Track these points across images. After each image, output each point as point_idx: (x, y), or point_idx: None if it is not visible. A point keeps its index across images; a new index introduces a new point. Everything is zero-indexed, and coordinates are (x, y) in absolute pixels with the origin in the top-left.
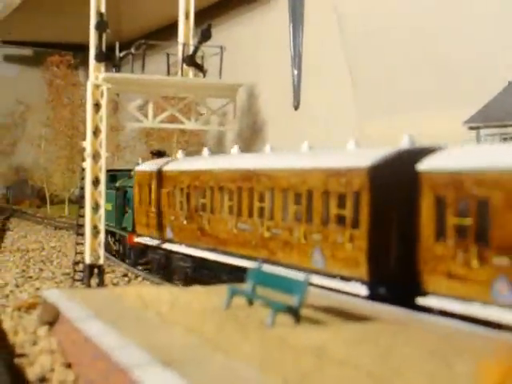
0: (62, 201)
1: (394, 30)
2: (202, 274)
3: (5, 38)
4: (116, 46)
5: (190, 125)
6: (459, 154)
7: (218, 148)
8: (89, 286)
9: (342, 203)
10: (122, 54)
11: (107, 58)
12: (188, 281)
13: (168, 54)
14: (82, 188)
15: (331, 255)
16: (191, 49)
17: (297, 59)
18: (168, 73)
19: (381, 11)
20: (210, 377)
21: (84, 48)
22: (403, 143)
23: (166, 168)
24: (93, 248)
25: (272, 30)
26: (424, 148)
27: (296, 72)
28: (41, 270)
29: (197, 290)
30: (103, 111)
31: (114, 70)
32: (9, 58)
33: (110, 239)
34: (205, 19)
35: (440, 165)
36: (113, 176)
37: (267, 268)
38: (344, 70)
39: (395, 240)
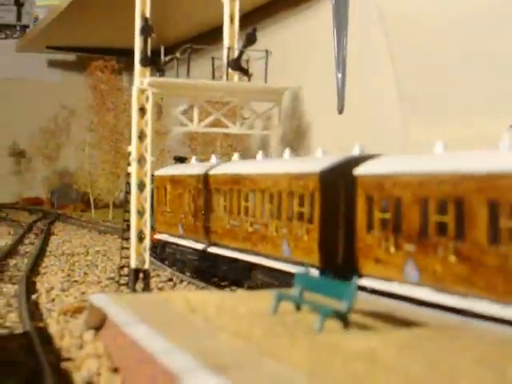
0: (106, 205)
1: (442, 35)
2: (205, 265)
3: (49, 43)
4: (161, 50)
5: (234, 129)
6: (385, 161)
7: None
8: (134, 290)
9: (301, 202)
10: (167, 59)
11: (152, 62)
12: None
13: (213, 58)
14: (128, 192)
15: (294, 246)
16: (236, 53)
17: (341, 63)
18: (213, 77)
19: (429, 17)
20: (259, 382)
21: (127, 53)
22: (354, 151)
23: (176, 172)
24: (138, 252)
25: (316, 33)
26: (367, 155)
27: (340, 75)
28: (86, 274)
29: (243, 294)
30: (148, 116)
31: (158, 74)
32: (53, 64)
33: None
34: (249, 23)
35: (369, 170)
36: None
37: (314, 272)
38: (389, 73)
39: (341, 232)
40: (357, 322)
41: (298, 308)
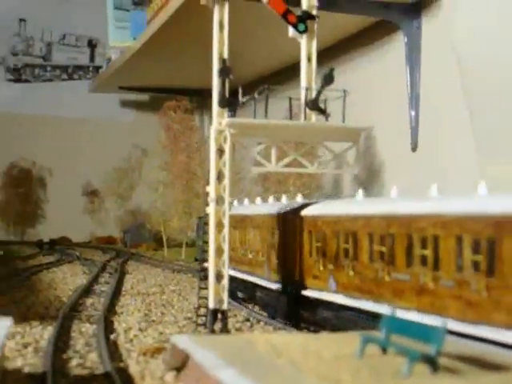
0: (178, 244)
1: None
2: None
3: (121, 84)
4: (239, 91)
5: (312, 169)
6: (319, 206)
7: (336, 191)
8: (212, 331)
9: (272, 236)
10: (244, 99)
11: (230, 103)
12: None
13: (290, 99)
14: (205, 232)
15: (272, 269)
16: (314, 93)
17: (414, 100)
18: (290, 117)
19: (503, 54)
20: None
21: (199, 92)
22: (298, 199)
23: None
24: (216, 292)
25: (389, 71)
26: (309, 202)
27: (414, 113)
28: (162, 313)
29: (327, 336)
30: (226, 156)
31: (229, 114)
32: (125, 104)
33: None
34: (325, 61)
35: (309, 212)
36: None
37: (401, 315)
38: (463, 110)
39: (295, 257)
40: (445, 366)
41: (385, 351)
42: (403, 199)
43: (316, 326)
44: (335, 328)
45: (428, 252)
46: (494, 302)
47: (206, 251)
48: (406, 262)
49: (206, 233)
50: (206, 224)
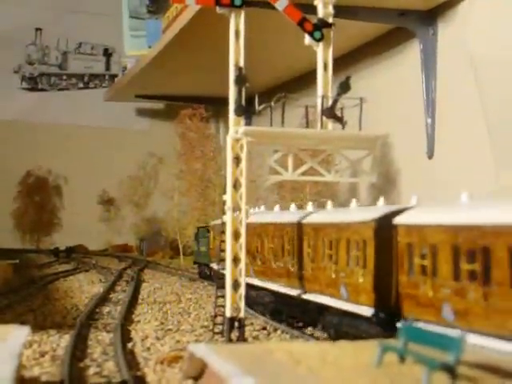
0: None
1: None
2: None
3: (137, 92)
4: (255, 98)
5: (329, 177)
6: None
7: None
8: (229, 339)
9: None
10: (261, 107)
11: (246, 111)
12: None
13: (307, 107)
14: (223, 241)
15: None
16: (330, 101)
17: (430, 107)
18: (307, 125)
19: None
20: None
21: (215, 101)
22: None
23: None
24: (233, 301)
25: (405, 78)
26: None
27: (430, 120)
28: (179, 322)
29: (345, 345)
30: (243, 165)
31: (246, 122)
32: (141, 112)
33: (206, 269)
34: (341, 68)
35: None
36: (208, 229)
37: (418, 324)
38: (480, 117)
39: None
40: (464, 375)
41: (403, 359)
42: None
43: None
44: None
45: None
46: None
47: (223, 260)
48: None
49: (223, 241)
50: (224, 232)
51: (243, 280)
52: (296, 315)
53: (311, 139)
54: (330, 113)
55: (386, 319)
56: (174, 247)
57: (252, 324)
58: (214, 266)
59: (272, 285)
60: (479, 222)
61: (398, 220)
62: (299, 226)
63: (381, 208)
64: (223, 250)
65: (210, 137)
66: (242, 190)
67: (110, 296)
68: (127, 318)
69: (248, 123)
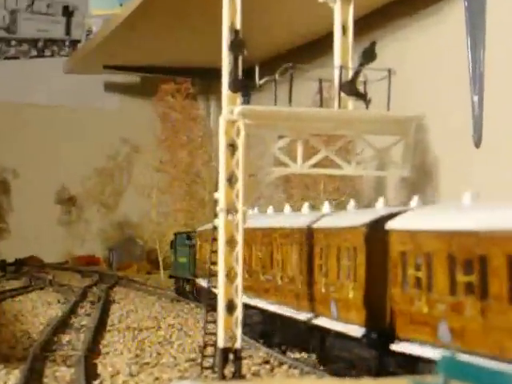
0: None
1: None
2: None
3: (106, 62)
4: (255, 70)
5: (349, 170)
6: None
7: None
8: (223, 376)
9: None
10: (262, 81)
11: (244, 86)
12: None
13: (321, 80)
14: (214, 251)
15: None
16: (350, 73)
17: (477, 82)
18: (321, 104)
19: None
20: None
21: (204, 73)
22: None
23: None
24: (227, 327)
25: (445, 44)
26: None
27: (476, 98)
28: (159, 354)
29: (367, 383)
30: (240, 154)
31: (244, 100)
32: (110, 87)
33: (185, 284)
34: (363, 32)
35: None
36: (188, 236)
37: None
38: None
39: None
40: None
41: None
42: None
43: None
44: None
45: None
46: None
47: (214, 275)
48: None
49: (214, 252)
50: (215, 240)
51: (240, 300)
52: (288, 337)
53: (326, 122)
54: (351, 88)
55: (379, 340)
56: (153, 259)
57: (251, 357)
58: (202, 282)
59: (258, 301)
60: (475, 228)
61: (391, 225)
62: (290, 232)
63: (377, 211)
64: (214, 263)
65: (198, 119)
66: (239, 187)
67: (71, 321)
68: (93, 349)
69: (246, 101)
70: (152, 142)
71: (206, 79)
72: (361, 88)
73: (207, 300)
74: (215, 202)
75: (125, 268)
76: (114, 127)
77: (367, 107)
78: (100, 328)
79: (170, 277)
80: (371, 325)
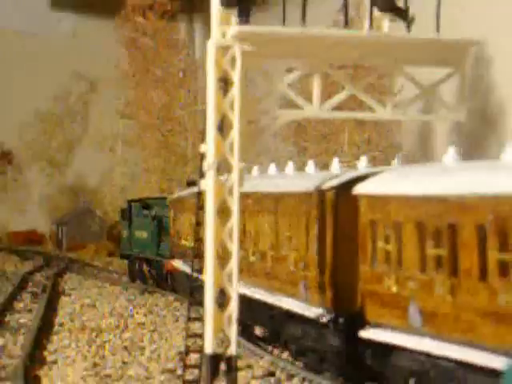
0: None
1: None
2: None
3: None
4: None
5: (385, 113)
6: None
7: (423, 149)
8: None
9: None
10: None
11: (241, 0)
12: None
13: None
14: (199, 224)
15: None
16: None
17: None
18: (346, 24)
19: None
20: None
21: None
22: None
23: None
24: (217, 327)
25: None
26: None
27: None
28: (124, 363)
29: None
30: (235, 92)
31: (240, 19)
32: (60, 4)
33: (144, 267)
34: None
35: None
36: (147, 204)
37: None
38: None
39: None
40: None
41: None
42: None
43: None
44: None
45: None
46: None
47: (200, 256)
48: None
49: (199, 224)
50: (201, 209)
51: (235, 290)
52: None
53: (353, 48)
54: (388, 2)
55: (347, 325)
56: (115, 237)
57: (250, 367)
58: (180, 265)
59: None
60: (442, 193)
61: (359, 189)
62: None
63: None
64: (200, 240)
65: (178, 46)
66: (234, 136)
67: (6, 319)
68: (35, 357)
69: (244, 21)
70: (115, 78)
71: None
72: (400, 3)
73: (189, 290)
74: (201, 157)
75: (78, 248)
76: (64, 58)
77: (409, 29)
78: (45, 328)
79: (122, 257)
80: (339, 308)
